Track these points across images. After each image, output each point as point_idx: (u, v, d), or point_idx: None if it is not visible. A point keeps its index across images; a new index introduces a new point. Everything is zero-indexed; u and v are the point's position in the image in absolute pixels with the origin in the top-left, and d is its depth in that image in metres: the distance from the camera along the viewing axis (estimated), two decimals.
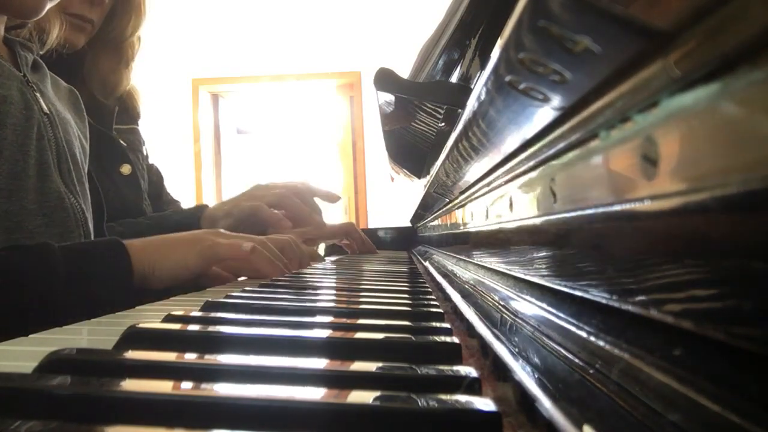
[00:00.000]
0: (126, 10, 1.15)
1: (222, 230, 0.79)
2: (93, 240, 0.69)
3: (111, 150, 1.17)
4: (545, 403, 0.21)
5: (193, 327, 0.38)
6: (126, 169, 1.18)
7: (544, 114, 0.28)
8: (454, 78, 0.61)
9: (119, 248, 0.65)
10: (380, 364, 0.27)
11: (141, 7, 1.17)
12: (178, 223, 1.13)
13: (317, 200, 1.31)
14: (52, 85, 0.87)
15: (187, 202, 1.44)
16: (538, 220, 0.34)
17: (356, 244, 1.40)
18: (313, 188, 1.29)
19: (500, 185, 0.46)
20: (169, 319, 0.40)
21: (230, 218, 1.16)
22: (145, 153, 1.31)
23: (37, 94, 0.79)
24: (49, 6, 0.76)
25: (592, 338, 0.24)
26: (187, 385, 0.24)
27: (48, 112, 0.79)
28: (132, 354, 0.30)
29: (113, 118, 1.20)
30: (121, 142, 1.20)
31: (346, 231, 1.40)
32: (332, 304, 0.54)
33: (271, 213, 1.17)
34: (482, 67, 0.35)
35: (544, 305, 0.32)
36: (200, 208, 1.20)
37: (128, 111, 1.27)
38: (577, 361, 0.24)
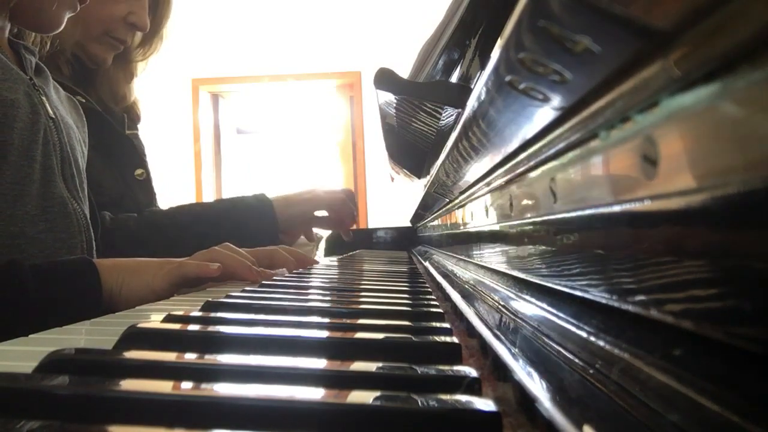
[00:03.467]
0: (148, 38, 1.22)
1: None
2: (62, 259, 0.67)
3: (126, 153, 1.19)
4: (545, 403, 0.21)
5: (194, 327, 0.38)
6: (140, 173, 1.19)
7: (544, 114, 0.28)
8: (454, 78, 0.60)
9: (89, 267, 0.64)
10: (380, 364, 0.27)
11: (162, 37, 1.25)
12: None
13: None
14: (54, 90, 0.87)
15: (186, 202, 1.44)
16: (538, 220, 0.34)
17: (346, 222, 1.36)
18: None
19: (500, 185, 0.46)
20: (169, 319, 0.40)
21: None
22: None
23: (43, 98, 0.79)
24: (66, 18, 0.77)
25: (592, 338, 0.24)
26: (187, 385, 0.24)
27: (53, 116, 0.79)
28: (132, 354, 0.30)
29: (125, 122, 1.23)
30: (136, 146, 1.22)
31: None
32: (332, 304, 0.54)
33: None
34: (482, 67, 0.35)
35: (544, 305, 0.32)
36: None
37: (131, 116, 1.29)
38: (577, 361, 0.24)
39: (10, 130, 0.70)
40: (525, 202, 0.38)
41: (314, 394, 0.23)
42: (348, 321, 0.42)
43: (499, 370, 0.28)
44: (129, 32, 1.11)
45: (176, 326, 0.37)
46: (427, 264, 1.03)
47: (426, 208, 1.28)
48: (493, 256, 0.53)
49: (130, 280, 0.65)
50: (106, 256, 0.79)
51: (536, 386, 0.23)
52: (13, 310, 0.57)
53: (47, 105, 0.79)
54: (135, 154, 1.20)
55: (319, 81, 4.19)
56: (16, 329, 0.56)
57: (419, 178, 1.15)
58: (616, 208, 0.22)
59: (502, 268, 0.47)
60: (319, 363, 0.28)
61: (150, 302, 0.65)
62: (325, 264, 1.09)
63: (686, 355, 0.18)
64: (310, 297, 0.59)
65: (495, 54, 0.29)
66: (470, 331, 0.38)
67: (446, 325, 0.39)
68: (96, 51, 1.08)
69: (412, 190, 1.36)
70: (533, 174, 0.35)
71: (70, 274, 0.62)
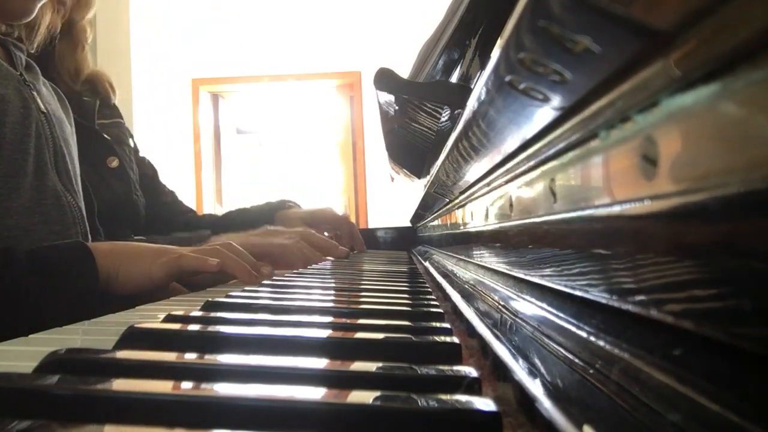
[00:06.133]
0: None
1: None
2: (58, 243, 0.67)
3: (96, 144, 1.17)
4: (545, 403, 0.21)
5: (193, 327, 0.38)
6: (113, 162, 1.18)
7: (544, 114, 0.28)
8: (454, 78, 0.60)
9: (84, 250, 0.64)
10: (380, 364, 0.27)
11: None
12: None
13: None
14: (43, 85, 0.87)
15: (186, 202, 1.44)
16: (538, 220, 0.34)
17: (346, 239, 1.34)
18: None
19: (500, 185, 0.46)
20: (169, 318, 0.40)
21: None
22: (133, 146, 1.31)
23: (35, 93, 0.79)
24: (38, 6, 0.76)
25: (592, 338, 0.24)
26: (187, 385, 0.24)
27: (45, 110, 0.80)
28: (132, 354, 0.30)
29: (95, 113, 1.21)
30: (105, 135, 1.20)
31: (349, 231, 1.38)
32: (332, 304, 0.54)
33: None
34: (482, 67, 0.35)
35: (544, 305, 0.32)
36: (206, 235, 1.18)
37: (108, 104, 1.27)
38: (577, 361, 0.24)
39: (1, 124, 0.71)
40: (525, 202, 0.38)
41: (314, 394, 0.23)
42: (348, 321, 0.42)
43: (499, 370, 0.28)
44: None
45: (176, 326, 0.37)
46: (427, 264, 1.03)
47: (426, 208, 1.28)
48: (493, 256, 0.53)
49: (128, 265, 0.65)
50: None
51: (536, 386, 0.23)
52: (9, 295, 0.57)
53: (38, 100, 0.79)
54: (104, 144, 1.18)
55: (319, 81, 4.19)
56: (13, 315, 0.56)
57: (419, 178, 1.15)
58: (616, 208, 0.22)
59: (502, 268, 0.47)
60: (319, 363, 0.28)
61: (146, 288, 0.66)
62: (325, 264, 1.08)
63: (686, 355, 0.18)
64: (310, 297, 0.59)
65: (495, 54, 0.29)
66: (470, 331, 0.38)
67: (446, 325, 0.39)
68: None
69: (412, 190, 1.36)
70: (533, 174, 0.35)
71: (64, 258, 0.62)
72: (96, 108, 1.21)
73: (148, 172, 1.33)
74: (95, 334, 0.40)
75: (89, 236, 0.84)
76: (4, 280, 0.57)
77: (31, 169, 0.74)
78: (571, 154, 0.28)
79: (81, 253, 0.63)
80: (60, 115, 0.85)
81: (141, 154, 1.34)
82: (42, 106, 0.79)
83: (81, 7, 1.16)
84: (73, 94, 1.16)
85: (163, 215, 1.32)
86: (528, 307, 0.35)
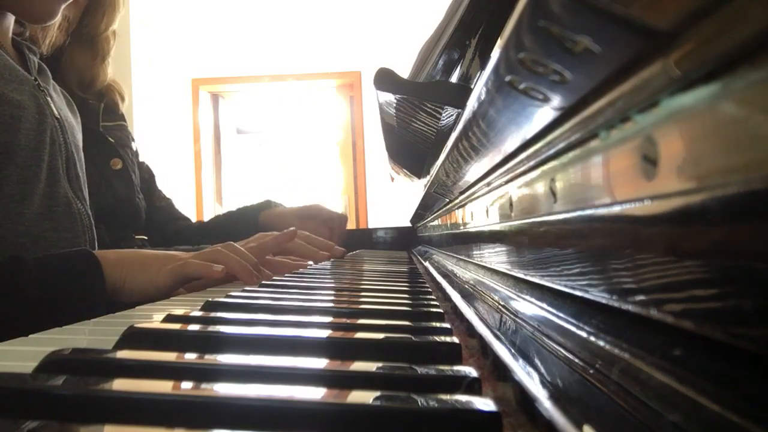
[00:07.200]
0: (100, 5, 1.15)
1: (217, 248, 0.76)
2: (64, 251, 0.68)
3: (100, 146, 1.18)
4: (545, 403, 0.21)
5: (194, 327, 0.38)
6: (117, 164, 1.19)
7: (544, 114, 0.28)
8: (454, 78, 0.60)
9: (91, 259, 0.64)
10: (380, 364, 0.27)
11: (115, 3, 1.17)
12: None
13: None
14: (53, 88, 0.87)
15: (186, 202, 1.45)
16: (538, 220, 0.34)
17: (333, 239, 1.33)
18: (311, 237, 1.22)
19: (500, 185, 0.46)
20: (169, 319, 0.40)
21: None
22: (134, 149, 1.32)
23: (48, 99, 0.79)
24: (62, 8, 0.76)
25: (592, 338, 0.24)
26: (187, 385, 0.24)
27: (58, 116, 0.80)
28: (132, 354, 0.30)
29: (99, 116, 1.21)
30: (109, 138, 1.20)
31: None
32: (332, 304, 0.54)
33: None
34: (482, 67, 0.35)
35: (544, 305, 0.32)
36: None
37: (113, 108, 1.27)
38: (577, 361, 0.24)
39: (16, 131, 0.71)
40: (525, 202, 0.38)
41: (314, 394, 0.23)
42: (348, 321, 0.42)
43: (499, 370, 0.28)
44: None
45: (176, 326, 0.37)
46: (427, 264, 1.03)
47: (426, 208, 1.28)
48: (493, 256, 0.53)
49: (134, 273, 0.66)
50: None
51: (536, 386, 0.23)
52: (18, 303, 0.57)
53: (52, 105, 0.79)
54: (108, 146, 1.20)
55: (319, 81, 4.19)
56: (21, 322, 0.56)
57: (419, 178, 1.14)
58: (616, 208, 0.22)
59: (502, 268, 0.47)
60: (319, 363, 0.28)
61: (152, 296, 0.66)
62: (325, 264, 1.08)
63: (686, 355, 0.18)
64: (310, 297, 0.59)
65: (495, 54, 0.29)
66: (470, 331, 0.38)
67: (446, 325, 0.39)
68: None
69: (412, 190, 1.36)
70: (533, 174, 0.35)
71: (72, 266, 0.63)
72: (100, 110, 1.22)
73: (144, 176, 1.34)
74: (96, 334, 0.40)
75: (96, 243, 0.84)
76: (11, 287, 0.57)
77: (44, 176, 0.74)
78: (571, 154, 0.28)
79: (88, 261, 0.64)
80: (72, 121, 0.85)
81: (140, 158, 1.35)
82: (56, 112, 0.79)
83: (103, 18, 1.16)
84: (77, 96, 1.16)
85: (157, 219, 1.33)
86: (528, 307, 0.35)
